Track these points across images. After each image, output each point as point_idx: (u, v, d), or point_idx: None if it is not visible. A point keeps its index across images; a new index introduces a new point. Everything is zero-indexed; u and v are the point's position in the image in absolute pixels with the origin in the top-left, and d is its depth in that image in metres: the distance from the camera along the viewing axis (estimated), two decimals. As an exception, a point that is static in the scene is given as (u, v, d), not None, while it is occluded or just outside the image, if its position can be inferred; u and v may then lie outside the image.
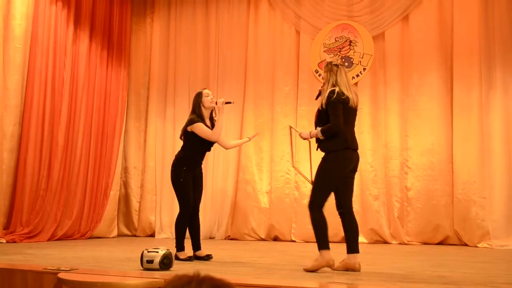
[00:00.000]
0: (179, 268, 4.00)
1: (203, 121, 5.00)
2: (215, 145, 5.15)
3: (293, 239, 7.67)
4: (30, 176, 6.88)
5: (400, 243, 7.24)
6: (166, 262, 3.90)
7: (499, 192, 6.88)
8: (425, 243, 7.19)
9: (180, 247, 4.90)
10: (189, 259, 4.81)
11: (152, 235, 8.40)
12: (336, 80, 4.21)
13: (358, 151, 4.32)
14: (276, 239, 7.85)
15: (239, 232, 8.02)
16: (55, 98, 7.23)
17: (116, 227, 8.39)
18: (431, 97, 7.44)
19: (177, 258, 4.72)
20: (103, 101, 8.07)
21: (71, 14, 7.55)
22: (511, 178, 6.87)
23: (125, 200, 8.72)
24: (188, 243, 4.92)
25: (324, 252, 4.06)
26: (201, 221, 8.67)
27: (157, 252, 3.91)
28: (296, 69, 8.10)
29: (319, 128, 4.21)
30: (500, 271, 4.51)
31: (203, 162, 5.16)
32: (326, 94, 4.18)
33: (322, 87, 4.39)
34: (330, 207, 4.24)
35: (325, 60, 4.51)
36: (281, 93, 8.04)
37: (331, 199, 4.25)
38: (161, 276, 3.40)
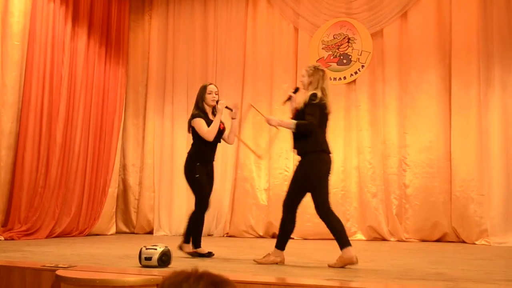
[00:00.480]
0: (178, 265, 4.00)
1: (206, 116, 4.97)
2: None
3: (291, 236, 7.65)
4: (28, 173, 6.87)
5: (398, 240, 7.25)
6: (164, 259, 3.90)
7: (497, 190, 6.89)
8: (423, 240, 7.21)
9: (187, 239, 4.88)
10: (193, 254, 4.80)
11: (151, 232, 8.40)
12: (322, 85, 4.35)
13: (331, 155, 4.41)
14: (274, 236, 7.82)
15: (237, 229, 8.03)
16: (53, 95, 7.22)
17: (115, 225, 8.39)
18: (430, 95, 7.44)
19: (180, 248, 4.76)
20: (101, 98, 8.06)
21: (69, 11, 7.53)
22: (509, 175, 6.88)
23: (123, 197, 8.71)
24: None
25: (280, 252, 4.37)
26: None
27: (156, 249, 3.90)
28: (295, 67, 8.09)
29: (294, 121, 4.31)
30: (498, 268, 4.52)
31: (214, 159, 5.10)
32: (308, 95, 4.30)
33: (293, 92, 4.58)
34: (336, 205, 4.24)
35: (313, 64, 4.66)
36: (280, 90, 8.03)
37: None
38: (159, 273, 3.40)
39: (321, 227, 7.41)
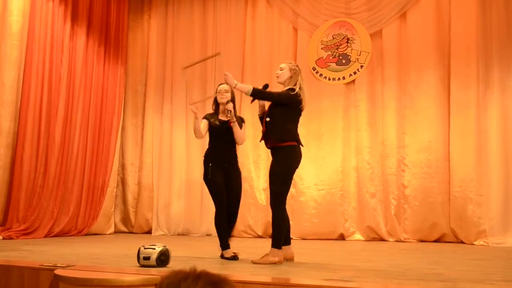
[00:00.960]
0: (176, 265, 4.00)
1: (213, 115, 4.94)
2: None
3: (291, 236, 7.65)
4: (27, 172, 6.87)
5: (397, 241, 7.26)
6: (162, 259, 3.90)
7: (496, 190, 6.90)
8: (422, 241, 7.21)
9: (224, 245, 4.78)
10: (233, 257, 4.67)
11: (149, 232, 8.40)
12: (302, 84, 4.48)
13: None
14: (273, 236, 7.84)
15: (236, 229, 7.96)
16: (52, 95, 7.22)
17: (113, 224, 8.39)
18: (429, 95, 7.44)
19: (222, 256, 4.69)
20: (100, 98, 8.06)
21: (68, 10, 7.53)
22: (508, 176, 6.89)
23: (122, 197, 8.71)
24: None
25: (278, 251, 4.32)
26: (198, 218, 8.69)
27: (154, 249, 3.91)
28: (294, 67, 8.07)
29: (252, 86, 4.37)
30: (496, 268, 4.52)
31: (236, 159, 5.04)
32: (286, 89, 4.46)
33: (262, 88, 4.56)
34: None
35: (293, 62, 4.73)
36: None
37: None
38: (157, 272, 3.40)
39: (320, 227, 7.45)
